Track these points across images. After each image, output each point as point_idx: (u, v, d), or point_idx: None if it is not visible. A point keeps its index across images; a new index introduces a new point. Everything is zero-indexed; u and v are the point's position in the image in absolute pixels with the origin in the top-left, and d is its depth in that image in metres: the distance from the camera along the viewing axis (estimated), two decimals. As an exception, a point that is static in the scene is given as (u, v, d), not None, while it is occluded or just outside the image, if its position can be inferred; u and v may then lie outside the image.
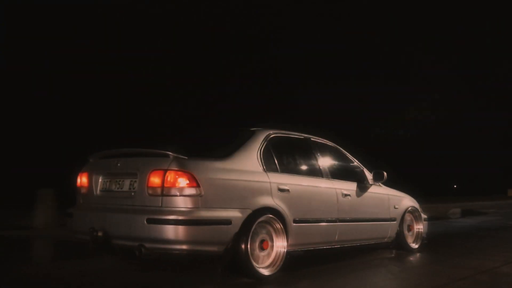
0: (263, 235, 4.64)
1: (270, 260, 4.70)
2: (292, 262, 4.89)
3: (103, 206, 4.62)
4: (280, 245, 4.75)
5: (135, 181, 4.38)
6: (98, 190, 4.74)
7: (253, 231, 4.48)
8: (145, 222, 4.09)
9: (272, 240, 4.74)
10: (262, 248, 4.63)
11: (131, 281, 4.61)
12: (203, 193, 4.18)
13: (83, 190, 4.90)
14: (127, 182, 4.48)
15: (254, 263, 4.48)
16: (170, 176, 4.16)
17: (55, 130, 16.19)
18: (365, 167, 6.25)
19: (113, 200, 4.56)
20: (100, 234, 4.36)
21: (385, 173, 6.10)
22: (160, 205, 4.16)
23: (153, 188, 4.21)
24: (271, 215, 4.71)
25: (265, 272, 4.58)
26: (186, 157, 4.31)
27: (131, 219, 4.23)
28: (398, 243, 6.52)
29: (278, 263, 4.70)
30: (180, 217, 4.06)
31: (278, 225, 4.76)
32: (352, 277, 4.99)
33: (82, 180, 4.92)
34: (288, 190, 4.89)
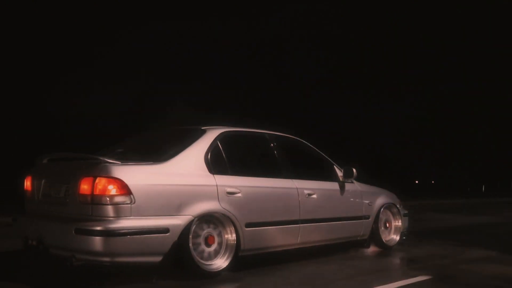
0: (209, 232, 4.43)
1: (218, 258, 4.48)
2: (248, 260, 4.71)
3: (42, 212, 4.45)
4: (229, 244, 4.53)
5: (69, 188, 4.17)
6: (40, 196, 4.56)
7: (198, 233, 4.32)
8: (74, 232, 3.89)
9: (220, 237, 4.52)
10: (208, 245, 4.41)
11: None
12: (135, 200, 3.95)
13: (28, 195, 4.74)
14: (63, 188, 4.28)
15: (200, 261, 4.29)
16: (99, 183, 3.93)
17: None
18: (336, 163, 5.92)
19: (51, 207, 4.38)
20: (34, 242, 4.19)
21: (354, 170, 5.77)
22: (90, 214, 3.95)
23: (84, 195, 4.00)
24: (217, 220, 4.48)
25: (213, 269, 4.38)
26: (118, 163, 4.07)
27: (62, 228, 4.04)
28: (374, 240, 6.21)
29: (227, 261, 4.49)
30: (108, 227, 3.85)
31: (227, 229, 4.53)
32: (309, 274, 4.74)
33: (27, 184, 4.76)
34: (238, 193, 4.61)
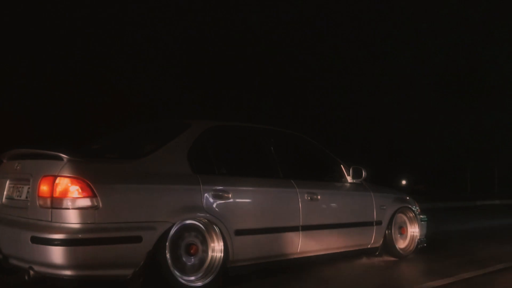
0: (190, 241, 3.87)
1: (202, 270, 3.92)
2: (238, 273, 4.13)
3: (3, 217, 3.92)
4: (216, 254, 3.96)
5: (30, 189, 3.64)
6: (4, 197, 4.04)
7: (177, 242, 3.76)
8: (29, 241, 3.35)
9: (205, 246, 3.95)
10: (190, 256, 3.85)
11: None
12: (100, 204, 3.39)
13: (-7, 197, 4.21)
14: (25, 189, 3.76)
15: (178, 274, 3.73)
16: (60, 184, 3.40)
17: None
18: (344, 163, 5.29)
19: (13, 210, 3.86)
20: (-10, 252, 3.67)
21: (363, 170, 5.14)
22: (49, 219, 3.41)
23: (43, 198, 3.47)
24: (201, 227, 3.91)
25: (196, 284, 3.81)
26: (82, 160, 3.52)
27: (18, 236, 3.52)
28: (387, 249, 5.55)
29: (212, 273, 3.92)
30: (68, 236, 3.30)
31: (214, 237, 3.95)
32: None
33: (-7, 184, 4.23)
34: (227, 196, 4.03)
